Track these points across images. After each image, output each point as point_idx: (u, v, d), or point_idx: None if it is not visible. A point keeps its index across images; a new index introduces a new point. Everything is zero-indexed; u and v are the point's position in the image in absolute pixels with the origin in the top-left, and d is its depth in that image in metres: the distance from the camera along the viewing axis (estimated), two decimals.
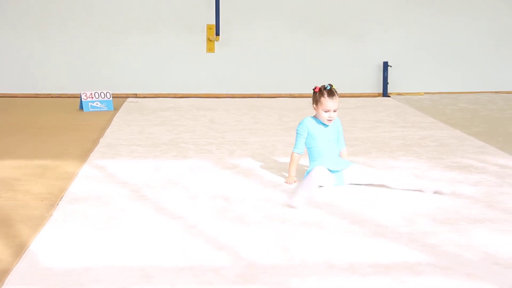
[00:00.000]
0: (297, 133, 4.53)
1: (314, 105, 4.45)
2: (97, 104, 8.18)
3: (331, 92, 4.38)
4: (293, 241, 3.36)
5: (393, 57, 9.89)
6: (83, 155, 5.47)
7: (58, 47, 9.68)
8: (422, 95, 9.84)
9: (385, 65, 9.81)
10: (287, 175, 4.78)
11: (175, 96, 9.67)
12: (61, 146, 5.90)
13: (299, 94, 9.78)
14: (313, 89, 4.43)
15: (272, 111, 8.18)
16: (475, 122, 7.26)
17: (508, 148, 5.75)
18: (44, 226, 3.60)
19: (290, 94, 9.81)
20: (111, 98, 8.29)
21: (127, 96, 9.54)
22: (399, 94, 9.89)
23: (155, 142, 6.07)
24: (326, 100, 4.37)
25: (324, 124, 4.48)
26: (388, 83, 9.84)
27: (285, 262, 3.09)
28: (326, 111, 4.40)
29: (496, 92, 9.97)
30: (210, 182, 4.59)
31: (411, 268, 3.00)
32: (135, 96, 9.64)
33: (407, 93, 9.92)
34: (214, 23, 9.69)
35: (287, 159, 5.33)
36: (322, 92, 4.38)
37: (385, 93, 9.85)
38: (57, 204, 4.04)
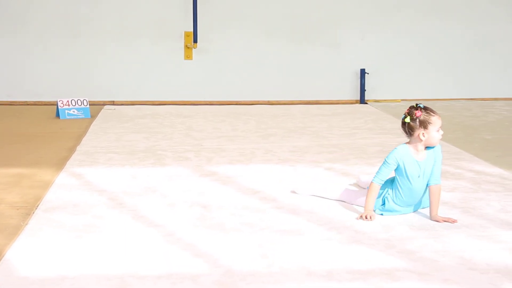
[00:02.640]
0: (385, 161, 3.87)
1: (423, 131, 3.80)
2: (73, 111, 8.12)
3: (431, 108, 3.87)
4: (271, 248, 3.36)
5: (370, 64, 9.96)
6: (60, 163, 5.42)
7: (34, 54, 9.59)
8: (399, 102, 9.92)
9: (362, 72, 9.89)
10: (265, 183, 4.78)
11: (153, 103, 9.64)
12: (37, 154, 5.84)
13: (277, 101, 9.81)
14: (412, 117, 3.82)
15: (250, 118, 8.19)
16: (450, 129, 7.34)
17: (483, 155, 5.82)
18: (20, 235, 3.55)
19: (268, 101, 9.83)
20: (88, 106, 8.24)
21: (104, 104, 9.48)
22: (376, 101, 9.97)
23: (133, 150, 6.04)
24: (436, 118, 3.81)
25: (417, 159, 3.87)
26: (365, 90, 9.91)
27: (263, 269, 3.09)
28: (438, 130, 3.83)
29: (471, 99, 10.09)
30: (188, 189, 4.58)
31: (389, 274, 3.02)
32: (113, 103, 9.59)
33: (384, 100, 10.00)
34: (192, 30, 9.69)
35: (266, 166, 5.35)
36: (428, 112, 3.82)
37: (362, 100, 9.91)
38: (33, 212, 3.99)
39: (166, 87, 9.78)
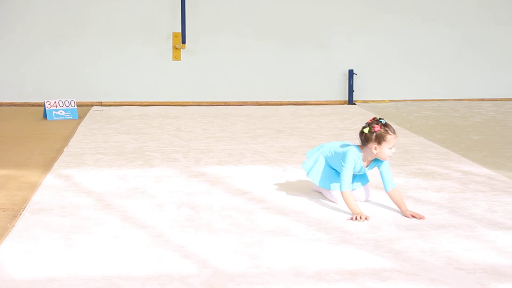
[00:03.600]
0: (345, 166, 4.02)
1: (376, 146, 3.97)
2: (61, 112, 8.09)
3: (391, 127, 4.02)
4: (260, 249, 3.36)
5: (359, 65, 9.99)
6: (47, 165, 5.39)
7: (21, 55, 9.54)
8: (387, 102, 9.96)
9: (351, 73, 9.91)
10: (254, 184, 4.78)
11: (141, 104, 9.61)
12: (24, 155, 5.81)
13: (266, 102, 9.81)
14: (371, 130, 3.98)
15: (238, 119, 8.19)
16: (438, 129, 7.38)
17: (470, 155, 5.86)
18: (7, 237, 3.53)
19: (257, 102, 9.83)
20: (75, 107, 8.20)
21: (92, 105, 9.45)
22: (364, 101, 10.00)
23: (121, 151, 6.02)
24: (392, 137, 3.97)
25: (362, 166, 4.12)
26: (353, 91, 9.94)
27: (251, 270, 3.09)
28: (390, 148, 3.99)
29: (458, 99, 10.15)
30: (176, 190, 4.57)
31: (377, 274, 3.03)
32: (100, 104, 9.56)
33: (373, 101, 10.03)
34: (180, 31, 9.68)
35: (254, 167, 5.35)
36: (386, 130, 3.97)
37: (350, 101, 9.94)
38: (20, 214, 3.97)
39: (154, 88, 9.76)
